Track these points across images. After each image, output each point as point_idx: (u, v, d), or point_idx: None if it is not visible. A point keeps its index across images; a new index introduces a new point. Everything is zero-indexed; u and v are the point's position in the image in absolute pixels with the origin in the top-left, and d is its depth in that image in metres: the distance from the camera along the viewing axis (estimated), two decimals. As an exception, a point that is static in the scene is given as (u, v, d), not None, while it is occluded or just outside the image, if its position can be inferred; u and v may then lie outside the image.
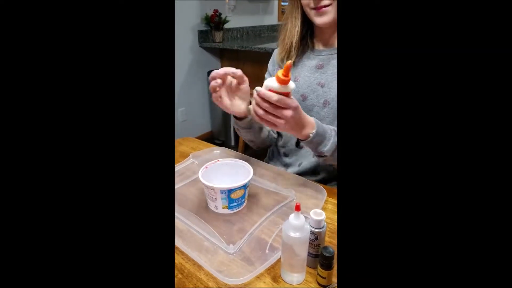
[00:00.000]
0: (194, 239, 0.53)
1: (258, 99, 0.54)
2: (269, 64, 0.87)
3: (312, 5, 0.67)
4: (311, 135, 0.60)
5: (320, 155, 0.63)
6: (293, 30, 0.74)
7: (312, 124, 0.60)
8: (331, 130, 0.63)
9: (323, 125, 0.62)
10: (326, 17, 0.67)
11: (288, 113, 0.54)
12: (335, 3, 0.66)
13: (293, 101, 0.54)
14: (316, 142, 0.61)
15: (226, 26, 2.41)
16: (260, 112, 0.55)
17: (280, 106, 0.53)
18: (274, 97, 0.52)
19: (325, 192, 0.64)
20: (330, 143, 0.62)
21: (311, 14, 0.69)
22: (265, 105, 0.53)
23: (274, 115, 0.54)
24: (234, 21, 2.59)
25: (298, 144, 0.80)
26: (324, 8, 0.66)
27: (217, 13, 2.28)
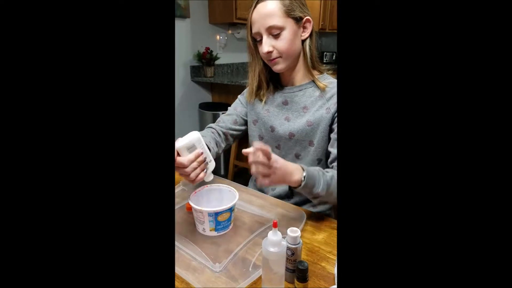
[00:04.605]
0: (182, 259, 0.57)
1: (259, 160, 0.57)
2: (240, 96, 0.94)
3: (265, 57, 0.76)
4: (303, 179, 0.63)
5: (315, 197, 0.67)
6: (253, 78, 0.83)
7: (299, 169, 0.63)
8: (317, 171, 0.66)
9: (309, 168, 0.65)
10: (279, 66, 0.76)
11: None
12: (284, 55, 0.74)
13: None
14: (309, 185, 0.64)
15: (217, 62, 2.56)
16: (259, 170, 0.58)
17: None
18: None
19: (304, 215, 0.70)
20: (322, 183, 0.65)
21: (267, 62, 0.78)
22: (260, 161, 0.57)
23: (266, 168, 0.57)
24: (225, 58, 2.75)
25: (292, 193, 0.84)
26: (275, 60, 0.75)
27: (208, 51, 2.43)
